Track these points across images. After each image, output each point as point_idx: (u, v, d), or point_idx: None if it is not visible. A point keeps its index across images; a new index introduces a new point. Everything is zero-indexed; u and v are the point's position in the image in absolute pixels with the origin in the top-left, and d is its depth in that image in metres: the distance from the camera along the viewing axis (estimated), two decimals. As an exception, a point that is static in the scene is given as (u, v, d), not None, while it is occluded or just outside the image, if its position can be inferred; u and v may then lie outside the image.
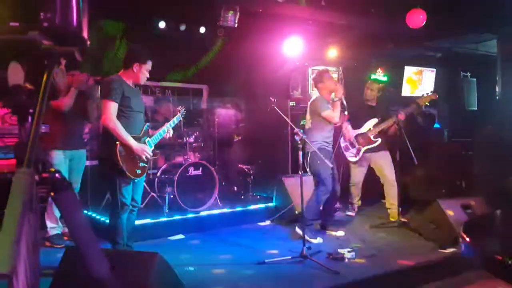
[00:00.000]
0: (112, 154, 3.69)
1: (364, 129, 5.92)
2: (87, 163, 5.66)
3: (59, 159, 4.59)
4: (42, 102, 1.19)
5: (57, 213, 4.73)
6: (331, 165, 4.84)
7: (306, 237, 4.50)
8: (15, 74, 1.30)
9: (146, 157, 3.90)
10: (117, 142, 3.71)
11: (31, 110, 1.32)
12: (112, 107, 3.71)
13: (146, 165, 3.99)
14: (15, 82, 1.30)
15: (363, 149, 5.89)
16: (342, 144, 6.09)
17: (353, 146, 5.95)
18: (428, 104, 5.73)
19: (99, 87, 4.78)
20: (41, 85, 1.24)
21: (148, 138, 4.03)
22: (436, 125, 8.79)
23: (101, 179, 5.68)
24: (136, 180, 3.91)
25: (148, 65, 3.93)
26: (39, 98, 1.20)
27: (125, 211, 3.88)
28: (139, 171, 3.87)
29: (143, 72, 3.91)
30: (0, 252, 0.94)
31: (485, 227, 2.20)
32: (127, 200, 3.86)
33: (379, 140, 5.83)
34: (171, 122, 4.32)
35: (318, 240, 4.91)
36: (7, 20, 1.24)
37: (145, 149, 3.88)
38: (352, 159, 5.99)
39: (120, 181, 3.79)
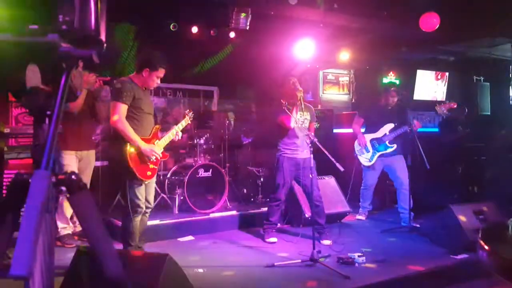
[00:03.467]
0: (123, 156, 3.70)
1: (379, 133, 5.88)
2: (98, 163, 5.70)
3: (69, 159, 4.62)
4: (60, 104, 1.20)
5: (68, 214, 4.76)
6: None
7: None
8: (33, 76, 1.31)
9: (155, 158, 3.90)
10: (128, 144, 3.72)
11: (48, 112, 1.33)
12: (122, 109, 3.72)
13: (156, 167, 3.99)
14: (33, 84, 1.31)
15: (377, 154, 5.86)
16: (357, 148, 6.06)
17: (368, 151, 5.92)
18: (447, 112, 5.67)
19: (109, 88, 4.82)
20: (59, 87, 1.25)
21: (157, 140, 4.03)
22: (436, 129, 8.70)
23: (111, 180, 5.76)
24: (147, 182, 3.93)
25: (160, 72, 3.89)
26: (57, 100, 1.21)
27: (139, 213, 3.87)
28: (149, 173, 3.88)
29: (153, 79, 3.89)
30: (18, 254, 0.95)
31: (502, 234, 2.18)
32: (141, 202, 3.86)
33: (395, 145, 5.79)
34: (179, 125, 4.33)
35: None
36: (27, 23, 1.26)
37: (154, 150, 3.86)
38: (366, 163, 5.96)
39: (131, 183, 3.80)
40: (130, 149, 3.72)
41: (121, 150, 3.72)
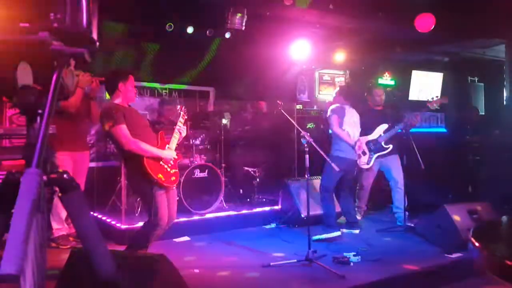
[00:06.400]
0: (142, 170, 3.63)
1: (374, 135, 5.85)
2: (93, 164, 5.68)
3: (64, 160, 4.61)
4: (51, 103, 1.20)
5: (63, 214, 4.74)
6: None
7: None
8: (24, 74, 1.30)
9: (173, 162, 3.88)
10: (143, 157, 3.65)
11: (39, 111, 1.32)
12: (123, 130, 3.64)
13: (177, 170, 3.96)
14: (24, 83, 1.31)
15: (374, 156, 5.83)
16: None
17: (364, 154, 5.89)
18: (438, 107, 5.70)
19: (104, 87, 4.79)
20: (50, 85, 1.24)
21: (167, 145, 3.99)
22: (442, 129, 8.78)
23: (107, 180, 5.75)
24: (174, 186, 3.88)
25: (132, 79, 3.89)
26: (49, 99, 1.20)
27: (159, 227, 3.74)
28: (173, 178, 3.85)
29: (130, 89, 3.87)
30: (8, 252, 0.94)
31: (495, 232, 2.18)
32: (165, 216, 3.74)
33: (391, 146, 5.78)
34: (178, 124, 4.27)
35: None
36: (18, 21, 1.25)
37: (172, 154, 3.87)
38: (365, 166, 5.91)
39: (156, 195, 3.68)
40: (147, 162, 3.66)
41: (140, 166, 3.64)
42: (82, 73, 4.52)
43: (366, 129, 5.98)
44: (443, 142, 8.16)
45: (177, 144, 4.05)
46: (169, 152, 3.86)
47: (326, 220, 5.36)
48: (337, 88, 5.81)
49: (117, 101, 3.84)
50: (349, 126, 5.50)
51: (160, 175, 3.69)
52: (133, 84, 3.91)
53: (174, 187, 3.94)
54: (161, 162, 3.78)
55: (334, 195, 5.61)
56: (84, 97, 4.64)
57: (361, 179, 6.12)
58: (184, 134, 4.16)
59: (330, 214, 5.37)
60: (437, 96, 5.76)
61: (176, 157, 3.95)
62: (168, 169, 3.83)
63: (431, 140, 7.66)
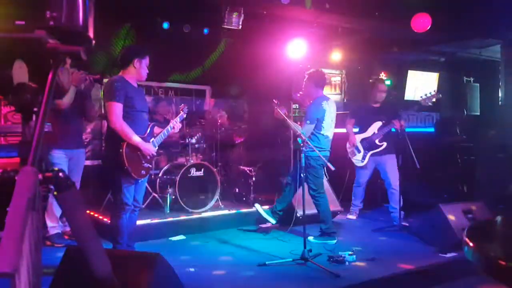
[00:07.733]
0: (118, 154, 3.70)
1: (369, 133, 5.89)
2: (89, 162, 5.67)
3: (59, 158, 4.60)
4: (47, 101, 1.20)
5: (58, 212, 4.72)
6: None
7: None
8: (20, 72, 1.30)
9: (150, 157, 3.94)
10: (123, 143, 3.72)
11: (35, 109, 1.32)
12: (117, 108, 3.72)
13: (150, 166, 4.03)
14: (20, 80, 1.30)
15: (369, 154, 5.86)
16: (349, 150, 6.06)
17: (359, 151, 5.92)
18: (431, 104, 5.74)
19: (99, 85, 4.80)
20: (46, 83, 1.24)
21: (153, 139, 4.04)
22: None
23: (102, 178, 5.73)
24: (139, 181, 3.93)
25: (147, 60, 3.94)
26: (44, 97, 1.20)
27: (127, 211, 3.90)
28: (143, 172, 3.90)
29: (144, 67, 3.93)
30: (3, 250, 0.94)
31: (489, 232, 2.20)
32: (129, 200, 3.88)
33: (385, 144, 5.80)
34: (175, 120, 4.30)
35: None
36: (13, 19, 1.25)
37: (151, 149, 3.92)
38: (359, 164, 5.94)
39: (123, 181, 3.81)
40: (125, 148, 3.72)
41: (117, 149, 3.72)
42: (76, 71, 4.50)
43: (361, 126, 6.00)
44: (438, 142, 8.17)
45: (166, 137, 4.12)
46: (149, 146, 3.91)
47: (325, 217, 5.13)
48: (306, 77, 5.26)
49: (127, 76, 3.89)
50: (327, 129, 5.13)
51: (130, 165, 3.74)
52: (147, 63, 3.96)
53: (141, 180, 3.99)
54: (139, 153, 3.83)
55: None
56: (78, 95, 4.63)
57: (357, 177, 6.15)
58: (177, 130, 4.22)
59: (328, 209, 5.14)
60: (430, 93, 5.76)
61: (154, 153, 3.99)
62: (142, 161, 3.87)
63: (427, 140, 7.67)
